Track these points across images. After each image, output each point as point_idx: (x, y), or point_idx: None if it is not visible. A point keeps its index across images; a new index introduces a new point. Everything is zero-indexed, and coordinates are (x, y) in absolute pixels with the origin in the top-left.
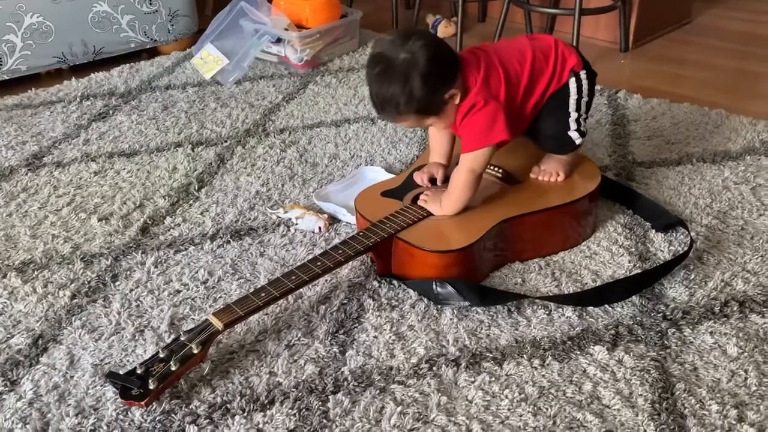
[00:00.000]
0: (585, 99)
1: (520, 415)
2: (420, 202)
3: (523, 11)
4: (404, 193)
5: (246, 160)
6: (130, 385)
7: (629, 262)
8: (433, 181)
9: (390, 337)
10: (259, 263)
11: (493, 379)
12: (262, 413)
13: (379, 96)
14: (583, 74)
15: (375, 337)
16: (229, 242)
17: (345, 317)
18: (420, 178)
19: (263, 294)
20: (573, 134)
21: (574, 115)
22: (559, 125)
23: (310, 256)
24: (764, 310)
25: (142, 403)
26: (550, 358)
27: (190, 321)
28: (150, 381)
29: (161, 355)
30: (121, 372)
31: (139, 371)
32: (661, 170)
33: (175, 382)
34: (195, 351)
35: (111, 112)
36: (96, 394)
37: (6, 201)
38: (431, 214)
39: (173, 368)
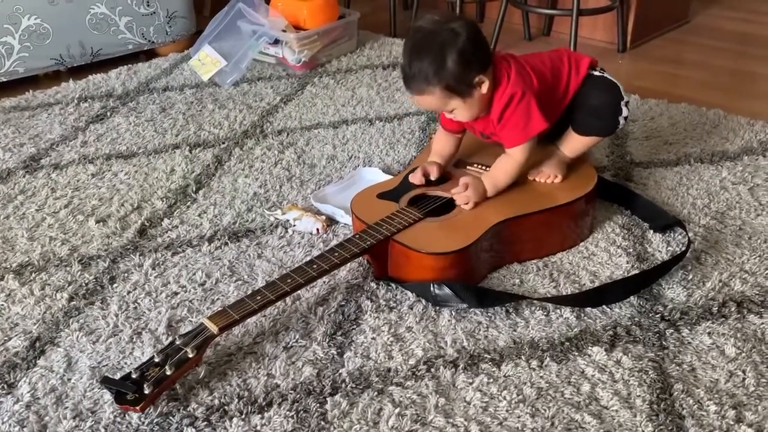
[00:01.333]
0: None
1: (519, 417)
2: (458, 198)
3: (521, 12)
4: (401, 195)
5: (244, 162)
6: (125, 390)
7: (627, 262)
8: (428, 180)
9: (388, 338)
10: (257, 265)
11: (492, 380)
12: (259, 415)
13: (412, 63)
14: (600, 70)
15: (373, 338)
16: (226, 244)
17: (343, 319)
18: (415, 177)
19: (259, 297)
20: (624, 110)
21: (625, 98)
22: (611, 95)
23: (308, 258)
24: (762, 310)
25: (138, 408)
26: (548, 359)
27: (187, 323)
28: (145, 386)
29: (156, 360)
30: (116, 377)
31: (134, 376)
32: (659, 171)
33: (171, 386)
34: (190, 355)
35: (109, 113)
36: (93, 396)
37: (3, 203)
38: (427, 216)
39: (168, 373)
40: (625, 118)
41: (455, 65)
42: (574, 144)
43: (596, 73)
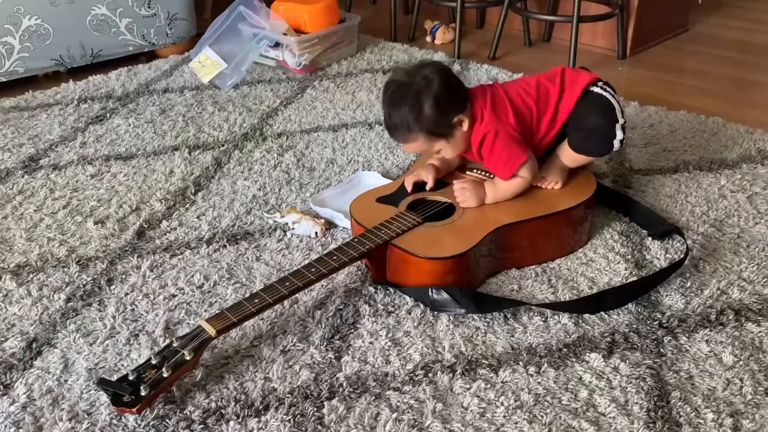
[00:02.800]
0: (624, 113)
1: (516, 423)
2: (457, 191)
3: (522, 18)
4: (400, 199)
5: (243, 164)
6: (122, 392)
7: (625, 269)
8: (421, 187)
9: (386, 343)
10: (255, 268)
11: (489, 386)
12: (256, 419)
13: (392, 115)
14: (602, 85)
15: (371, 343)
16: (225, 246)
17: (341, 323)
18: (409, 184)
19: (257, 300)
20: (618, 133)
21: (621, 120)
22: (605, 118)
23: (306, 262)
24: (760, 318)
25: (134, 410)
26: (545, 365)
27: (185, 326)
28: (142, 387)
29: (153, 362)
30: (112, 378)
31: (130, 377)
32: (658, 178)
33: (168, 388)
34: (187, 357)
35: (108, 115)
36: (90, 398)
37: (2, 203)
38: (426, 221)
39: (165, 375)
40: (621, 141)
41: (433, 110)
42: (571, 157)
43: (596, 89)
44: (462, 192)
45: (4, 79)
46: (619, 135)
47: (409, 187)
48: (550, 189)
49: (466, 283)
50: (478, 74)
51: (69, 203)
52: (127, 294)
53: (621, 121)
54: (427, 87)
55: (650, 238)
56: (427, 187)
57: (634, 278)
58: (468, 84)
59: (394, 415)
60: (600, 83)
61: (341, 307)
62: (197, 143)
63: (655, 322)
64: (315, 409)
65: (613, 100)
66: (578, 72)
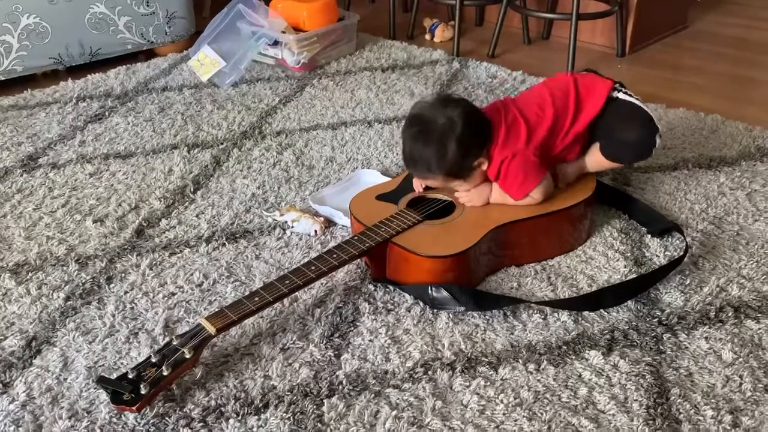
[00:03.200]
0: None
1: (515, 420)
2: (462, 192)
3: (521, 16)
4: (399, 197)
5: (242, 163)
6: (122, 390)
7: (625, 266)
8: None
9: (385, 340)
10: (255, 266)
11: (489, 383)
12: (256, 417)
13: (414, 154)
14: (623, 91)
15: (370, 340)
16: (224, 245)
17: (340, 321)
18: (416, 184)
19: (257, 298)
20: (658, 141)
21: (659, 128)
22: (647, 130)
23: (306, 260)
24: (759, 315)
25: (134, 408)
26: (545, 362)
27: (184, 324)
28: (142, 386)
29: (153, 360)
30: (112, 376)
31: (130, 376)
32: (657, 175)
33: (167, 387)
34: (187, 356)
35: (107, 113)
36: (89, 396)
37: (1, 202)
38: (426, 219)
39: (165, 373)
40: (656, 147)
41: (456, 155)
42: (601, 164)
43: (621, 96)
44: (465, 197)
45: (3, 78)
46: (658, 142)
47: (418, 188)
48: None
49: (465, 281)
50: (477, 72)
51: (68, 202)
52: (126, 292)
53: (660, 129)
54: (451, 129)
55: (649, 236)
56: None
57: (634, 276)
58: (468, 84)
59: (394, 413)
60: (621, 88)
61: (341, 305)
62: (196, 141)
63: (655, 320)
64: (315, 406)
65: (647, 109)
66: (592, 79)
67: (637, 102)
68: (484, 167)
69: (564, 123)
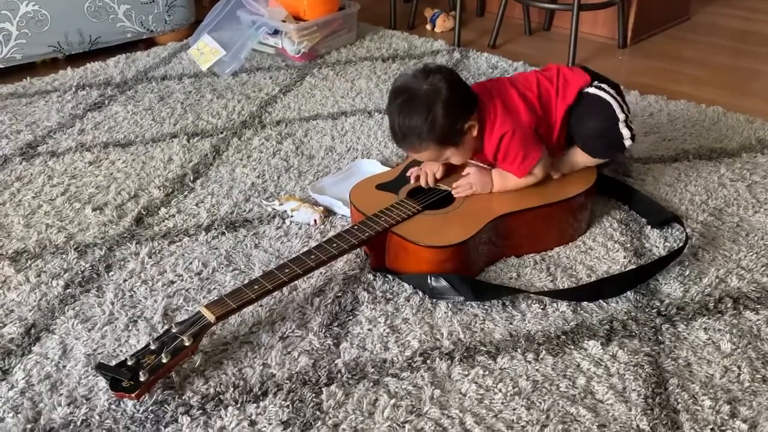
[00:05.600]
0: (625, 105)
1: (514, 409)
2: (462, 182)
3: (522, 6)
4: (399, 186)
5: (242, 152)
6: (121, 377)
7: (624, 257)
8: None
9: (384, 329)
10: (254, 255)
11: (487, 372)
12: (255, 404)
13: (402, 126)
14: (597, 85)
15: (369, 329)
16: (224, 233)
17: (339, 310)
18: (413, 174)
19: (256, 287)
20: (624, 131)
21: (621, 117)
22: (604, 120)
23: (305, 249)
24: (758, 306)
25: (133, 395)
26: (544, 352)
27: (183, 312)
28: (141, 373)
29: (152, 347)
30: (111, 363)
31: (129, 363)
32: (658, 167)
33: (166, 374)
34: (186, 343)
35: (106, 102)
36: (88, 384)
37: (0, 190)
38: (426, 209)
39: (164, 360)
40: (632, 138)
41: (444, 119)
42: (589, 160)
43: (591, 90)
44: (465, 185)
45: (2, 66)
46: (626, 133)
47: (414, 180)
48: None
49: (465, 271)
50: (477, 62)
51: (67, 190)
52: (125, 280)
53: (622, 117)
54: (436, 95)
55: (649, 227)
56: (437, 176)
57: (633, 266)
58: (469, 74)
59: (392, 401)
60: (595, 83)
61: (340, 294)
62: (196, 130)
63: (654, 310)
64: (313, 394)
65: (608, 98)
66: (573, 73)
67: (604, 96)
68: (475, 132)
69: (547, 110)
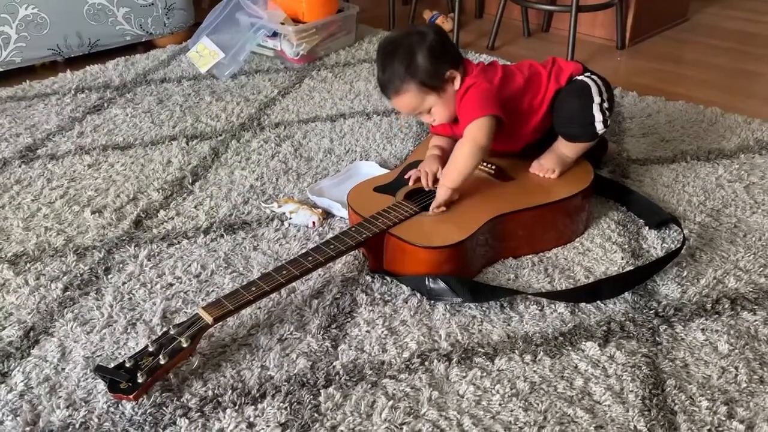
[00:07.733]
0: (606, 93)
1: (511, 410)
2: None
3: (520, 8)
4: (397, 188)
5: (240, 154)
6: (119, 379)
7: (622, 258)
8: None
9: (382, 331)
10: (253, 257)
11: (485, 374)
12: (253, 407)
13: (386, 68)
14: (587, 74)
15: (367, 331)
16: (222, 236)
17: (337, 312)
18: (422, 177)
19: (254, 288)
20: (597, 114)
21: (597, 99)
22: (579, 100)
23: (303, 251)
24: (756, 307)
25: (131, 396)
26: (541, 353)
27: (182, 314)
28: (139, 374)
29: (150, 349)
30: (109, 365)
31: (127, 365)
32: (656, 168)
33: (164, 375)
34: (184, 345)
35: (106, 104)
36: (87, 386)
37: None
38: (423, 210)
39: (162, 362)
40: (605, 123)
41: (426, 60)
42: (566, 145)
43: (580, 77)
44: (436, 208)
45: (1, 69)
46: (599, 116)
47: (412, 182)
48: (547, 178)
49: (462, 273)
50: None
51: (66, 193)
52: (124, 283)
53: (597, 99)
54: (421, 40)
55: (647, 228)
56: (437, 174)
57: (631, 267)
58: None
59: (390, 403)
60: (586, 73)
61: (338, 296)
62: (195, 133)
63: (651, 311)
64: (311, 396)
65: (590, 81)
66: (568, 63)
67: (587, 80)
68: (457, 84)
69: (536, 92)
